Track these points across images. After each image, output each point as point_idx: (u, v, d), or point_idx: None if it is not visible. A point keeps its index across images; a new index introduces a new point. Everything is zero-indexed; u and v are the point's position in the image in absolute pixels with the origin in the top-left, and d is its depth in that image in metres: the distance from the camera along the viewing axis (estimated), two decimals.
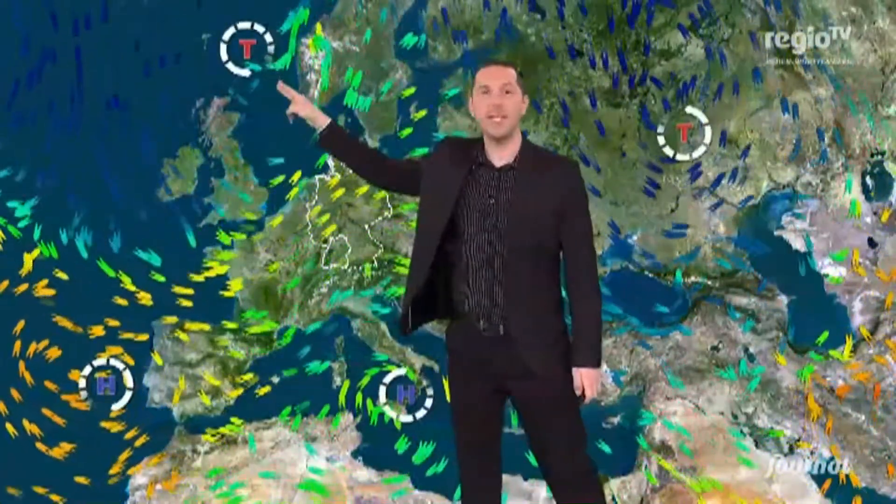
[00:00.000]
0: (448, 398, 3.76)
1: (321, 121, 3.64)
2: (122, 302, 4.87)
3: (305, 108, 3.66)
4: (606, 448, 4.88)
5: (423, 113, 4.90)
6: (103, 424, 4.89)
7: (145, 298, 4.87)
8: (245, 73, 4.89)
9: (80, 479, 4.87)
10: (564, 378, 3.43)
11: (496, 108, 3.34)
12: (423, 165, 3.55)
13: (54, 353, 4.86)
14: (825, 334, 4.88)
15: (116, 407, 4.90)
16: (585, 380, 3.39)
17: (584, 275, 3.40)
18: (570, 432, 3.50)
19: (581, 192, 3.43)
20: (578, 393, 3.42)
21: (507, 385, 3.47)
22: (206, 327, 4.91)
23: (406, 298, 3.49)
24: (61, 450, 4.87)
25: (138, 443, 4.90)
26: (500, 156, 3.41)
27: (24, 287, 4.85)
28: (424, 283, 3.43)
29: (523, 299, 3.38)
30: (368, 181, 3.81)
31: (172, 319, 4.90)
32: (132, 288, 4.87)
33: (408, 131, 4.89)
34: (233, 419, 4.93)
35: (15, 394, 4.85)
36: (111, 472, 4.89)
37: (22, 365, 4.86)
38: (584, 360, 3.40)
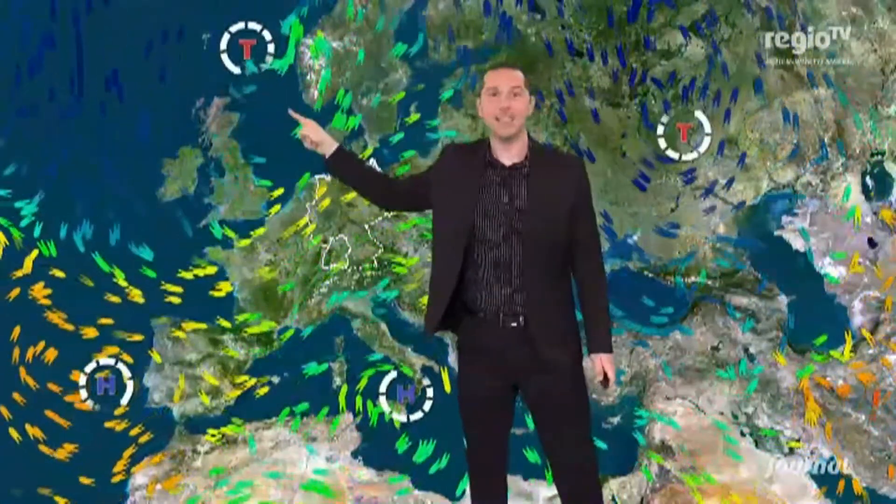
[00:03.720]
0: (451, 395, 3.74)
1: (328, 146, 3.67)
2: (120, 301, 4.87)
3: (315, 133, 3.68)
4: (606, 447, 4.88)
5: (415, 117, 4.91)
6: (104, 425, 4.89)
7: (140, 297, 4.88)
8: (244, 72, 4.90)
9: (82, 480, 4.87)
10: (575, 374, 3.48)
11: (505, 111, 3.40)
12: (428, 177, 3.57)
13: (53, 354, 4.86)
14: (825, 335, 4.89)
15: (116, 407, 4.91)
16: (607, 364, 3.45)
17: (594, 267, 3.50)
18: (580, 442, 3.53)
19: (588, 187, 3.52)
20: (600, 379, 3.46)
21: (520, 380, 3.49)
22: (205, 327, 4.92)
23: (436, 306, 3.48)
24: (63, 451, 4.87)
25: (141, 440, 4.91)
26: (509, 155, 3.45)
27: (16, 292, 4.86)
28: (454, 289, 3.44)
29: (539, 294, 3.42)
30: (375, 204, 3.82)
31: (169, 319, 4.91)
32: (131, 287, 4.88)
33: (399, 136, 4.91)
34: (233, 419, 4.94)
35: (17, 396, 4.86)
36: (113, 471, 4.89)
37: (23, 370, 4.86)
38: (602, 346, 3.47)
